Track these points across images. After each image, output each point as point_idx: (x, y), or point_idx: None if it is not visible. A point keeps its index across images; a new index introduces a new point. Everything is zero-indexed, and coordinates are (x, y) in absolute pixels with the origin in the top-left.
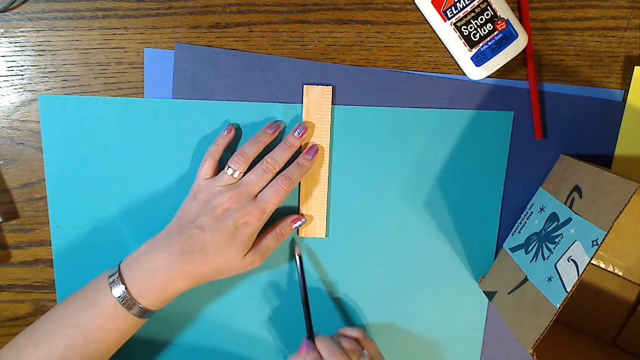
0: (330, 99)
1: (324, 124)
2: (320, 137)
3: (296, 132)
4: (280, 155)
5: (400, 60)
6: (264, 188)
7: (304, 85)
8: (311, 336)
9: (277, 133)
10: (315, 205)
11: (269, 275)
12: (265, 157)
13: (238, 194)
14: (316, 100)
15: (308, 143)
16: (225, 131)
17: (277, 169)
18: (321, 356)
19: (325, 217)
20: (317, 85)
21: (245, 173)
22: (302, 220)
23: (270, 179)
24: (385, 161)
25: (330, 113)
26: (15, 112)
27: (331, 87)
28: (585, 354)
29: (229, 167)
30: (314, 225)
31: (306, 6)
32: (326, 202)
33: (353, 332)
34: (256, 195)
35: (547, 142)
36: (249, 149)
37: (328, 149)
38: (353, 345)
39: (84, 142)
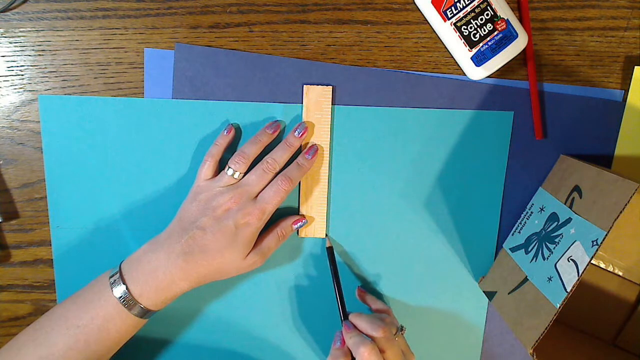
0: (330, 99)
1: (324, 124)
2: (320, 137)
3: (296, 132)
4: (280, 155)
5: (400, 60)
6: (264, 188)
7: (304, 85)
8: (346, 317)
9: (277, 133)
10: (315, 205)
11: (273, 275)
12: (266, 157)
13: (238, 194)
14: (316, 100)
15: (308, 143)
16: (225, 131)
17: (277, 169)
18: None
19: (326, 217)
20: (317, 85)
21: (245, 173)
22: (303, 221)
23: (271, 179)
24: (385, 161)
25: (330, 113)
26: (15, 112)
27: (331, 87)
28: (585, 354)
29: (229, 167)
30: (314, 225)
31: (306, 6)
32: (326, 202)
33: (382, 305)
34: (256, 196)
35: (547, 142)
36: (249, 149)
37: (328, 149)
38: (390, 318)
39: (84, 142)
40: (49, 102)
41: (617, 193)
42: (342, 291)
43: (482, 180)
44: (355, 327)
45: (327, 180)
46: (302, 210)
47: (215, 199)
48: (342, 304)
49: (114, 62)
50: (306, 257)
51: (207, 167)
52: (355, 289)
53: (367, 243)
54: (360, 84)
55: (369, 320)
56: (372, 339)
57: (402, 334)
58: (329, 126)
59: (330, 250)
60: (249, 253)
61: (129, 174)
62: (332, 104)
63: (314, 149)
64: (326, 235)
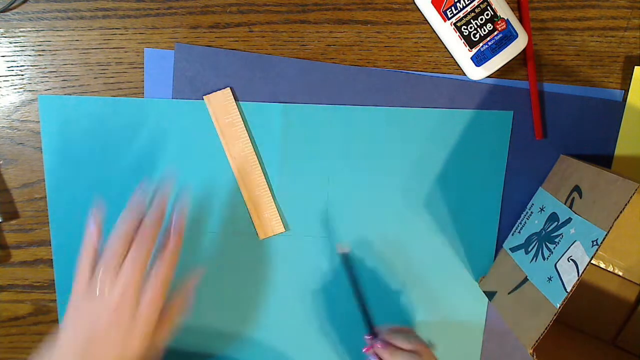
0: (233, 99)
1: (237, 124)
2: (239, 138)
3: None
4: (140, 257)
5: (400, 60)
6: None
7: (204, 97)
8: (374, 333)
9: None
10: (263, 206)
11: (275, 280)
12: (125, 263)
13: (116, 316)
14: (220, 106)
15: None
16: (92, 225)
17: (144, 269)
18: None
19: (278, 213)
20: (219, 90)
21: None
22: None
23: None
24: (384, 161)
25: (238, 112)
26: (15, 112)
27: (229, 88)
28: (585, 354)
29: (97, 286)
30: (271, 223)
31: (306, 6)
32: (272, 199)
33: (405, 328)
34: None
35: (547, 142)
36: (114, 260)
37: (252, 147)
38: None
39: (84, 142)
40: (49, 102)
41: (617, 193)
42: (366, 303)
43: (482, 180)
44: (390, 344)
45: (264, 178)
46: (254, 216)
47: (96, 323)
48: (368, 318)
49: (114, 62)
50: (305, 257)
51: (82, 279)
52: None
53: (367, 243)
54: (360, 84)
55: (404, 337)
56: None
57: (433, 349)
58: (243, 125)
59: (345, 258)
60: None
61: (129, 174)
62: (236, 101)
63: (174, 239)
64: (341, 243)
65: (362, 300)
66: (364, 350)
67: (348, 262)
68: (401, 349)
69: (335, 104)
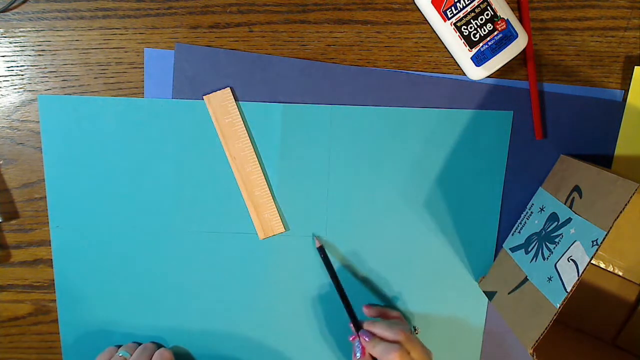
0: (233, 99)
1: (237, 125)
2: (239, 138)
3: None
4: None
5: (400, 60)
6: None
7: (204, 97)
8: (358, 325)
9: None
10: (263, 206)
11: (272, 283)
12: None
13: None
14: (220, 106)
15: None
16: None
17: None
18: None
19: (278, 213)
20: (219, 90)
21: None
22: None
23: None
24: (385, 161)
25: (238, 111)
26: (15, 112)
27: (229, 88)
28: (585, 354)
29: None
30: (271, 223)
31: (306, 6)
32: (272, 198)
33: (392, 312)
34: None
35: (547, 142)
36: None
37: (252, 147)
38: (402, 320)
39: (84, 142)
40: (49, 102)
41: (617, 193)
42: (347, 295)
43: (481, 180)
44: (373, 334)
45: (264, 178)
46: (253, 216)
47: None
48: (350, 311)
49: (114, 62)
50: (303, 258)
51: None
52: (352, 290)
53: (366, 243)
54: (360, 84)
55: (386, 326)
56: (395, 343)
57: (416, 334)
58: (243, 125)
59: (321, 250)
60: None
61: (129, 174)
62: (236, 101)
63: None
64: (313, 235)
65: (342, 291)
66: (350, 339)
67: (325, 254)
68: (384, 338)
69: (335, 104)
